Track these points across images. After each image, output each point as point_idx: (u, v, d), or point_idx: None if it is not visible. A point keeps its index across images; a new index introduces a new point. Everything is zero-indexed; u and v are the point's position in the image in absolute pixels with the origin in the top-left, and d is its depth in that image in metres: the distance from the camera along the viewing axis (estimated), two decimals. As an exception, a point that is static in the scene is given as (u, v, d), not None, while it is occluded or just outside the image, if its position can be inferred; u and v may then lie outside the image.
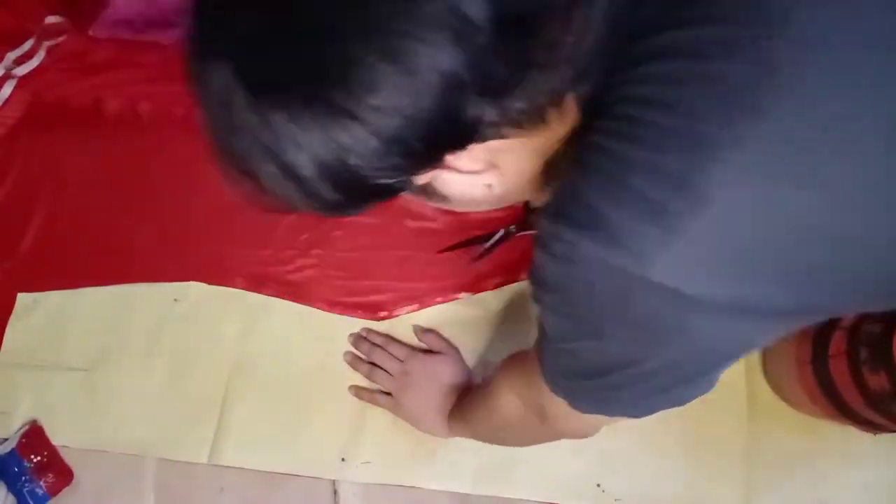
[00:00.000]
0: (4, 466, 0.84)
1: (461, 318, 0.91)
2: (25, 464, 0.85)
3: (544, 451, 0.85)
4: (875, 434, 0.80)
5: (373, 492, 0.85)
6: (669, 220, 0.39)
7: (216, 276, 0.94)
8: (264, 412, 0.88)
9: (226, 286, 0.93)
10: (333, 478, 0.85)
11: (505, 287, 0.93)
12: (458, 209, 0.54)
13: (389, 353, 0.88)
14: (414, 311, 0.92)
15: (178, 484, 0.86)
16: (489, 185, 0.48)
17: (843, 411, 0.78)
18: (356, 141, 0.38)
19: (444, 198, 0.49)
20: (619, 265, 0.40)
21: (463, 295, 0.93)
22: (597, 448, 0.86)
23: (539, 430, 0.64)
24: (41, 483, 0.84)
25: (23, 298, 0.93)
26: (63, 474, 0.85)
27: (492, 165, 0.46)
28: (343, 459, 0.86)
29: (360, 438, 0.86)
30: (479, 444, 0.85)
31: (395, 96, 0.37)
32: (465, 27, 0.36)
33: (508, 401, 0.66)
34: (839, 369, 0.76)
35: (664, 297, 0.41)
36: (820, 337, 0.80)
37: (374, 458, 0.86)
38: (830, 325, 0.79)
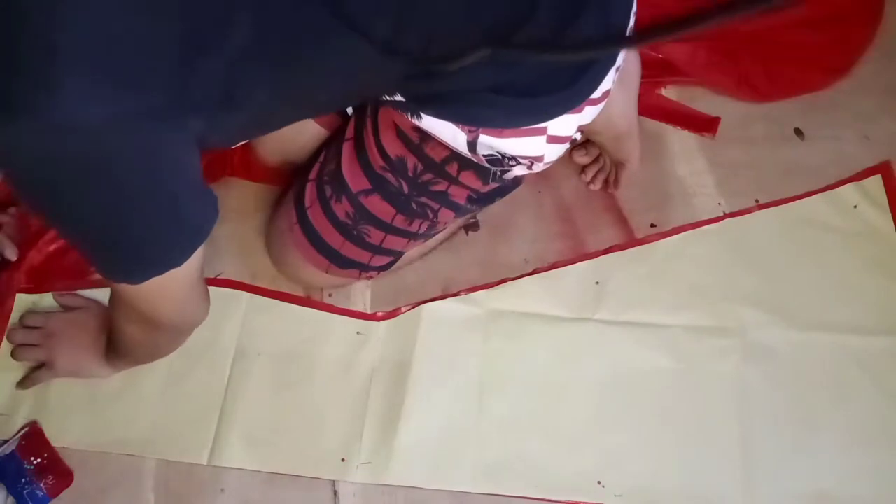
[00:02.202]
0: (4, 468, 0.84)
1: (460, 317, 0.92)
2: (25, 466, 0.84)
3: (545, 449, 0.86)
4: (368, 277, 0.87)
5: (373, 492, 0.85)
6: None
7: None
8: (264, 413, 0.88)
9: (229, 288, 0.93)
10: (333, 478, 0.85)
11: (503, 285, 0.93)
12: None
13: (27, 325, 0.89)
14: (408, 310, 0.92)
15: (178, 485, 0.85)
16: None
17: (332, 258, 0.83)
18: None
19: None
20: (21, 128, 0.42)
21: (462, 293, 0.93)
22: (598, 445, 0.86)
23: (151, 326, 0.67)
24: (41, 485, 0.84)
25: (23, 298, 0.93)
26: (63, 476, 0.85)
27: None
28: (343, 459, 0.86)
29: (360, 438, 0.86)
30: (479, 442, 0.86)
31: None
32: None
33: (127, 314, 0.68)
34: (316, 214, 0.81)
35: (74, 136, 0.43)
36: (299, 196, 0.84)
37: (374, 458, 0.86)
38: (302, 181, 0.84)
